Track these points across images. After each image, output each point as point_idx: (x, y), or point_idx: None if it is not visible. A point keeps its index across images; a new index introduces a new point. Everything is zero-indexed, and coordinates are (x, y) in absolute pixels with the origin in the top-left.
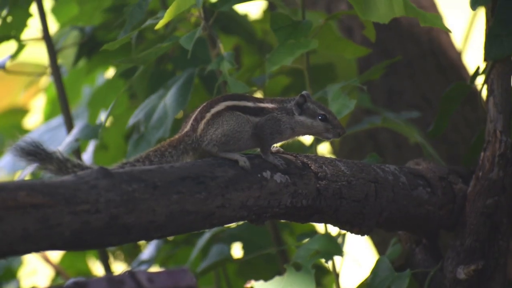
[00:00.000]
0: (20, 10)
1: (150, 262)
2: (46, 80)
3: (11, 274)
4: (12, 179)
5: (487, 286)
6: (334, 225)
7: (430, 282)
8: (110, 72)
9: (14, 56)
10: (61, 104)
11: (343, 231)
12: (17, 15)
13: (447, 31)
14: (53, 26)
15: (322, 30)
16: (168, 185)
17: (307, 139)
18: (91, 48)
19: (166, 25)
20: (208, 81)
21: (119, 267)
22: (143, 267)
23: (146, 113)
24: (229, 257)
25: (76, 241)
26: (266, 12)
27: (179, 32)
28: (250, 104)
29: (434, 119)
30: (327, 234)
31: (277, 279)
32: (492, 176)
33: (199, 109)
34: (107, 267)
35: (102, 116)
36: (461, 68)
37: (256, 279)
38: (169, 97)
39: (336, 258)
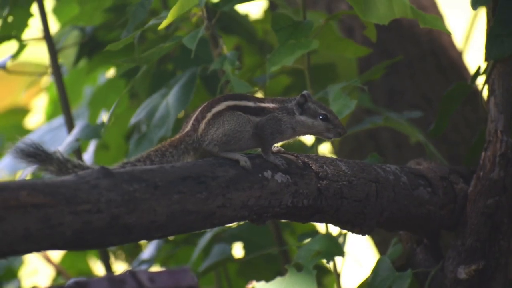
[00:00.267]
0: (21, 10)
1: (151, 261)
2: (47, 80)
3: (12, 274)
4: (13, 179)
5: (488, 286)
6: (335, 225)
7: (431, 282)
8: (111, 72)
9: (15, 56)
10: (62, 104)
11: (344, 231)
12: (18, 15)
13: (447, 33)
14: (54, 26)
15: (323, 30)
16: (169, 185)
17: (309, 139)
18: (91, 48)
19: (168, 25)
20: (208, 81)
21: (120, 267)
22: (144, 267)
23: (148, 112)
24: (230, 257)
25: (77, 241)
26: (266, 12)
27: (181, 32)
28: (251, 104)
29: (435, 119)
30: (328, 234)
31: (278, 279)
32: (493, 176)
33: (200, 109)
34: (108, 267)
35: (103, 116)
36: (462, 68)
37: (257, 279)
38: (172, 96)
39: (337, 258)
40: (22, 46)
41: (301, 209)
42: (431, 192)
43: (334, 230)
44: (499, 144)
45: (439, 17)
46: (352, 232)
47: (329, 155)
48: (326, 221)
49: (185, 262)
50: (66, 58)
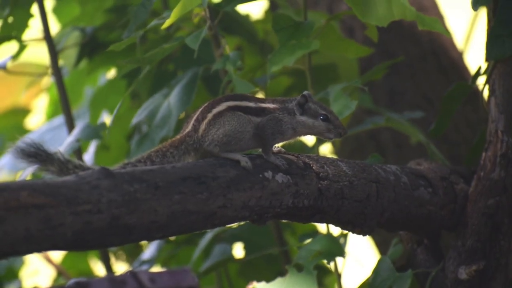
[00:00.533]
0: (21, 10)
1: (151, 262)
2: (47, 80)
3: (13, 274)
4: (13, 179)
5: (489, 286)
6: (336, 225)
7: (431, 282)
8: (112, 73)
9: (15, 56)
10: (62, 104)
11: (345, 232)
12: (18, 15)
13: (446, 35)
14: (55, 27)
15: (324, 30)
16: (170, 185)
17: (309, 140)
18: (92, 49)
19: (169, 26)
20: (209, 81)
21: (120, 267)
22: (144, 267)
23: (149, 112)
24: (231, 257)
25: (78, 241)
26: (267, 12)
27: (182, 32)
28: (251, 104)
29: (435, 119)
30: (329, 235)
31: (279, 280)
32: (494, 176)
33: (200, 109)
34: (109, 267)
35: (104, 117)
36: (463, 68)
37: (258, 279)
38: (173, 96)
39: (338, 258)
40: (22, 47)
41: (302, 209)
42: (431, 192)
43: (335, 230)
44: (500, 144)
45: (439, 18)
46: (353, 232)
47: (330, 156)
48: (327, 222)
49: (186, 263)
50: (67, 58)
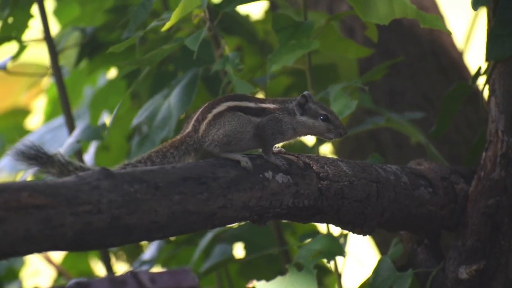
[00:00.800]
0: (21, 11)
1: (152, 262)
2: (48, 81)
3: (13, 275)
4: (14, 179)
5: (489, 286)
6: (336, 225)
7: (432, 282)
8: (112, 73)
9: (15, 57)
10: (63, 105)
11: (345, 231)
12: (18, 16)
13: (447, 33)
14: (55, 27)
15: (324, 30)
16: (170, 186)
17: (310, 140)
18: (92, 49)
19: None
20: (209, 82)
21: (121, 268)
22: (145, 268)
23: (150, 113)
24: (231, 257)
25: (78, 241)
26: (267, 12)
27: (181, 33)
28: (251, 104)
29: (436, 119)
30: (329, 234)
31: (279, 279)
32: (494, 176)
33: (200, 110)
34: (109, 268)
35: (104, 117)
36: (463, 68)
37: (258, 279)
38: (174, 97)
39: (338, 258)
40: (22, 47)
41: (302, 209)
42: (431, 192)
43: (335, 230)
44: (500, 144)
45: (439, 17)
46: (353, 232)
47: (330, 156)
48: (327, 222)
49: (186, 263)
50: (67, 59)
